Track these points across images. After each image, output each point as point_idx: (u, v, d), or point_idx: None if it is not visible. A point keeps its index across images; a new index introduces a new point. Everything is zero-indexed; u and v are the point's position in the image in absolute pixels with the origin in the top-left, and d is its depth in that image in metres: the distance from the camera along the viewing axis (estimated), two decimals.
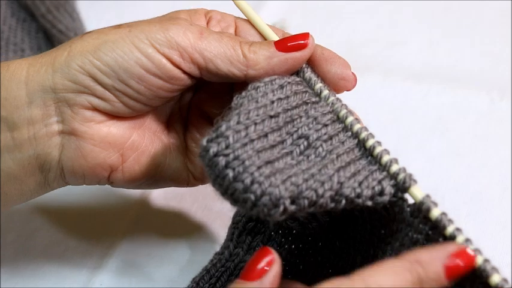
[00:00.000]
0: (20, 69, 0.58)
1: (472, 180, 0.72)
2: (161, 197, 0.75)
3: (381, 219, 0.53)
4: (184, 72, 0.56)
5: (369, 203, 0.50)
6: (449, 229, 0.49)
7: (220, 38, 0.56)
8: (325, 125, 0.53)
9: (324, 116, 0.53)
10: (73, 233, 0.71)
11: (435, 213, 0.49)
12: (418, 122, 0.78)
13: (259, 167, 0.49)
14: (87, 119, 0.57)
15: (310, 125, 0.52)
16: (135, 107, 0.58)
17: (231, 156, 0.49)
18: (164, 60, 0.56)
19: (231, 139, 0.49)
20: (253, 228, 0.59)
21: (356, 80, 0.56)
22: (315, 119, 0.53)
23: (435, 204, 0.50)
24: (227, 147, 0.49)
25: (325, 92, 0.55)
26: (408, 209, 0.51)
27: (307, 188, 0.48)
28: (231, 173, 0.48)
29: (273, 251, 0.50)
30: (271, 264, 0.50)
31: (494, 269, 0.47)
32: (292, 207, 0.48)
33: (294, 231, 0.58)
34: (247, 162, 0.49)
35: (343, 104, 0.54)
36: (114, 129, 0.58)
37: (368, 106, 0.74)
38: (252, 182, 0.48)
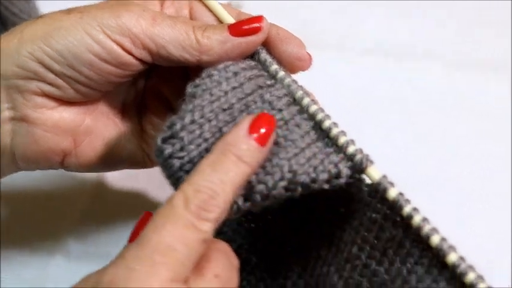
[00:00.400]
0: None
1: (431, 156, 0.73)
2: (116, 178, 0.74)
3: (340, 199, 0.53)
4: (136, 58, 0.55)
5: (326, 186, 0.50)
6: (406, 209, 0.49)
7: (173, 24, 0.55)
8: (280, 110, 0.52)
9: (279, 100, 0.53)
10: (29, 217, 0.70)
11: (392, 193, 0.49)
12: (375, 99, 0.78)
13: None
14: (38, 105, 0.56)
15: (265, 111, 0.52)
16: (87, 93, 0.57)
17: (186, 159, 0.49)
18: (115, 47, 0.55)
19: (185, 140, 0.50)
20: None
21: (311, 59, 0.56)
22: (270, 103, 0.52)
23: (392, 185, 0.50)
24: (182, 149, 0.49)
25: (281, 74, 0.54)
26: (366, 189, 0.51)
27: (258, 183, 0.48)
28: (184, 176, 0.49)
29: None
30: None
31: (452, 248, 0.48)
32: (246, 205, 0.48)
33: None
34: None
35: (299, 85, 0.54)
36: (66, 115, 0.58)
37: (325, 85, 0.73)
38: None
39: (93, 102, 0.59)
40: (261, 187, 0.48)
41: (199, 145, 0.50)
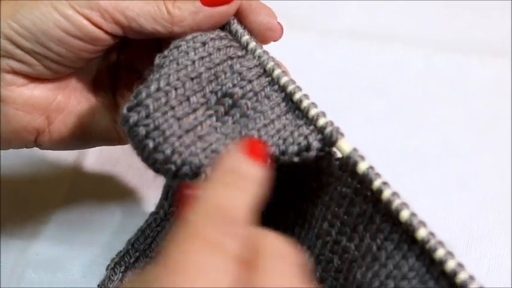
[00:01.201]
0: None
1: (411, 138, 0.72)
2: (96, 162, 0.74)
3: (311, 172, 0.52)
4: (107, 32, 0.55)
5: (296, 159, 0.50)
6: (376, 183, 0.48)
7: None
8: (250, 81, 0.52)
9: (249, 71, 0.52)
10: (6, 202, 0.69)
11: (362, 166, 0.49)
12: (357, 82, 0.78)
13: (179, 137, 0.48)
14: (8, 82, 0.56)
15: (235, 81, 0.51)
16: (58, 69, 0.57)
17: (151, 126, 0.48)
18: (85, 22, 0.54)
19: (151, 107, 0.49)
20: None
21: (282, 29, 0.55)
22: (240, 74, 0.52)
23: (362, 158, 0.49)
24: (147, 116, 0.48)
25: (252, 44, 0.53)
26: (337, 162, 0.50)
27: None
28: (151, 144, 0.48)
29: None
30: None
31: (421, 223, 0.47)
32: None
33: None
34: (167, 132, 0.48)
35: (270, 56, 0.53)
36: (37, 92, 0.57)
37: (306, 67, 0.74)
38: (173, 152, 0.48)
39: (65, 79, 0.59)
40: None
41: (165, 113, 0.49)
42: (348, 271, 0.50)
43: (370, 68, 0.77)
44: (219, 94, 0.51)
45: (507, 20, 0.83)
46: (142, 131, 0.48)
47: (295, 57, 0.59)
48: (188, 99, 0.50)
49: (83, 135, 0.60)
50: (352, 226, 0.50)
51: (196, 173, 0.48)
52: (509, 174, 0.70)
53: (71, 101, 0.59)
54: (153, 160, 0.48)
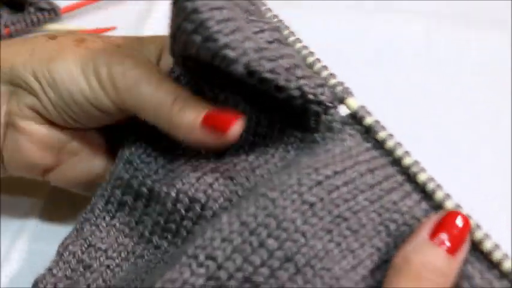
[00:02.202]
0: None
1: (408, 113, 0.73)
2: None
3: (311, 126, 0.56)
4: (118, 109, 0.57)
5: (310, 106, 0.53)
6: (382, 134, 0.54)
7: (157, 87, 0.55)
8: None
9: None
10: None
11: (369, 120, 0.54)
12: (354, 56, 0.78)
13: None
14: (28, 117, 0.59)
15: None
16: (75, 126, 0.59)
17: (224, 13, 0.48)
18: (103, 97, 0.56)
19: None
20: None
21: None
22: None
23: (369, 114, 0.55)
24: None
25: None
26: (340, 120, 0.55)
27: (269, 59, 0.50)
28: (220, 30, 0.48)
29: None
30: None
31: (423, 169, 0.52)
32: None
33: None
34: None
35: (286, 25, 0.58)
36: (52, 133, 0.59)
37: (306, 42, 0.72)
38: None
39: (88, 130, 0.61)
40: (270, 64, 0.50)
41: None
42: None
43: (368, 43, 0.77)
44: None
45: None
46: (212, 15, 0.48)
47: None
48: None
49: (89, 184, 0.61)
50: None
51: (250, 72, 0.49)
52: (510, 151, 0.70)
53: (85, 149, 0.61)
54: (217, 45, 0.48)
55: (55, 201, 0.69)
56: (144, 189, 0.56)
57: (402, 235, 0.50)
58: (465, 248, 0.47)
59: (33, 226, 0.68)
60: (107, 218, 0.57)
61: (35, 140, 0.59)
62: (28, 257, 0.66)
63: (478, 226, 0.49)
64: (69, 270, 0.55)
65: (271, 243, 0.46)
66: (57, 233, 0.59)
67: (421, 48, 0.80)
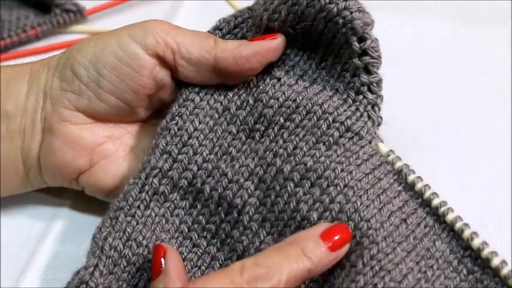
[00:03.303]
0: (25, 66, 0.63)
1: (432, 110, 0.73)
2: None
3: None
4: (157, 56, 0.59)
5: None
6: (411, 177, 0.57)
7: (194, 31, 0.61)
8: None
9: None
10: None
11: (399, 164, 0.58)
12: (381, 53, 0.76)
13: None
14: (63, 118, 0.61)
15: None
16: (110, 102, 0.61)
17: None
18: (138, 50, 0.59)
19: None
20: None
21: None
22: None
23: (399, 159, 0.58)
24: None
25: None
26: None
27: None
28: None
29: (164, 246, 0.56)
30: (165, 256, 0.55)
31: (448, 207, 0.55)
32: None
33: None
34: None
35: None
36: (85, 134, 0.61)
37: None
38: None
39: (120, 130, 0.63)
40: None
41: None
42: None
43: (393, 40, 0.74)
44: None
45: None
46: None
47: None
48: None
49: (116, 189, 0.62)
50: None
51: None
52: None
53: (117, 152, 0.63)
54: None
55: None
56: (184, 182, 0.59)
57: (438, 279, 0.53)
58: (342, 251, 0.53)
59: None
60: (142, 207, 0.59)
61: (68, 141, 0.61)
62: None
63: (486, 243, 0.54)
64: (112, 265, 0.57)
65: None
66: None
67: (446, 46, 0.80)
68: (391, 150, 0.58)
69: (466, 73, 0.77)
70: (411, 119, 0.72)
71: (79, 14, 0.84)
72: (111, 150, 0.62)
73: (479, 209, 0.65)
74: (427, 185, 0.56)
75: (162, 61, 0.60)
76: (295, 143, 0.58)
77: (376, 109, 0.59)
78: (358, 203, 0.55)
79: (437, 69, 0.78)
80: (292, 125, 0.59)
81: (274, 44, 0.60)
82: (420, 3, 0.84)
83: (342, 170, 0.56)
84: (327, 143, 0.57)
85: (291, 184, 0.56)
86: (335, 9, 0.57)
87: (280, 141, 0.58)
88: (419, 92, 0.75)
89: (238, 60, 0.59)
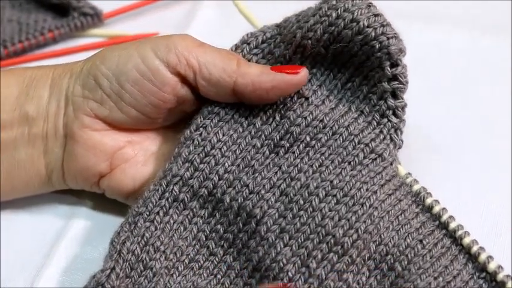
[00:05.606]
0: (47, 71, 0.63)
1: (453, 120, 0.73)
2: None
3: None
4: (179, 75, 0.60)
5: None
6: (428, 200, 0.58)
7: (218, 50, 0.61)
8: None
9: None
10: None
11: (416, 187, 0.60)
12: None
13: None
14: (85, 125, 0.62)
15: None
16: (131, 114, 0.61)
17: None
18: (161, 67, 0.59)
19: None
20: None
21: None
22: None
23: (417, 181, 0.60)
24: None
25: None
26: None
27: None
28: None
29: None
30: None
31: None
32: None
33: None
34: None
35: None
36: (106, 140, 0.62)
37: None
38: None
39: (141, 136, 0.64)
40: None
41: None
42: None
43: (411, 49, 0.70)
44: None
45: None
46: None
47: None
48: None
49: (136, 193, 0.62)
50: None
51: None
52: None
53: (137, 157, 0.63)
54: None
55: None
56: (204, 191, 0.60)
57: None
58: None
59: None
60: (161, 213, 0.59)
61: (89, 147, 0.62)
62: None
63: (501, 267, 0.56)
64: (129, 268, 0.57)
65: None
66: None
67: (466, 56, 0.80)
68: (408, 173, 0.60)
69: (486, 82, 0.77)
70: (431, 128, 0.72)
71: (96, 18, 0.84)
72: (130, 155, 0.63)
73: (495, 218, 0.65)
74: (444, 208, 0.57)
75: (184, 79, 0.60)
76: (320, 161, 0.59)
77: (399, 132, 0.61)
78: (381, 224, 0.56)
79: (457, 78, 0.78)
80: (318, 144, 0.60)
81: (296, 79, 0.60)
82: (441, 12, 0.84)
83: (367, 190, 0.57)
84: (352, 162, 0.59)
85: (316, 199, 0.57)
86: (373, 34, 0.58)
87: (306, 158, 0.59)
88: (439, 100, 0.76)
89: (257, 90, 0.59)
